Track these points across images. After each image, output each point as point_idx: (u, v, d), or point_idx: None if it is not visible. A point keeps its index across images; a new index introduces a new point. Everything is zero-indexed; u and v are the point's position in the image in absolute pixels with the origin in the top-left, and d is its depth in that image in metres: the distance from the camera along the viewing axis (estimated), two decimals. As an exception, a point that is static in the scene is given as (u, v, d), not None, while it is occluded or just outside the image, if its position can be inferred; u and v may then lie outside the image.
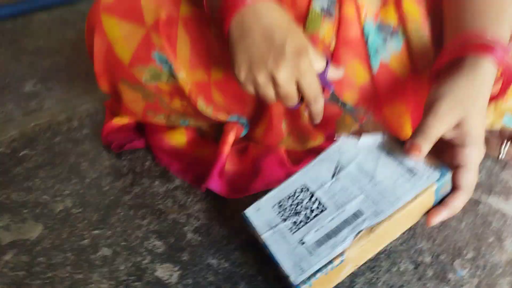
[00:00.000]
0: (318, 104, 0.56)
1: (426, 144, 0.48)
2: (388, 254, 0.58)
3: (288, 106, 0.56)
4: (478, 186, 0.69)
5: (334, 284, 0.50)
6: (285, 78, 0.52)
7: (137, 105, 0.74)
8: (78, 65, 1.08)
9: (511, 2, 0.54)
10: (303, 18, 0.66)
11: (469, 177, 0.49)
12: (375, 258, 0.58)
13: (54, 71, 1.05)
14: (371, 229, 0.47)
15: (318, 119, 0.58)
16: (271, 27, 0.52)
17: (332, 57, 0.67)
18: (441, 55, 0.56)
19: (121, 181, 0.71)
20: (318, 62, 0.55)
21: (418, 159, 0.49)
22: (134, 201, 0.67)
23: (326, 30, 0.66)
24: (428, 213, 0.50)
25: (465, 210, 0.64)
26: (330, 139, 0.72)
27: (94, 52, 0.68)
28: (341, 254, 0.47)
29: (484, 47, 0.51)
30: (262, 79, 0.52)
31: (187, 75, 0.67)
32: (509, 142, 0.70)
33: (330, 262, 0.46)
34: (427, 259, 0.58)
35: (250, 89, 0.54)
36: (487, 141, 0.73)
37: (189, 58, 0.67)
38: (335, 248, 0.47)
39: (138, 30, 0.65)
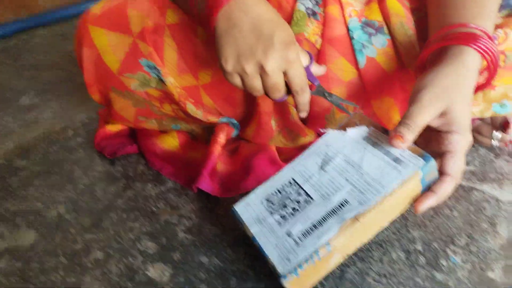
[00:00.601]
0: (305, 94, 0.56)
1: (410, 133, 0.48)
2: (380, 243, 0.58)
3: (274, 98, 0.56)
4: (472, 174, 0.68)
5: (324, 274, 0.49)
6: (274, 68, 0.52)
7: (128, 112, 0.74)
8: (76, 78, 1.09)
9: None
10: (289, 19, 0.67)
11: (456, 163, 0.48)
12: (367, 248, 0.57)
13: (52, 84, 1.07)
14: (356, 217, 0.47)
15: (305, 110, 0.59)
16: (259, 19, 0.52)
17: (319, 55, 0.67)
18: (425, 47, 0.56)
19: (114, 186, 0.71)
20: (302, 57, 0.56)
21: (402, 148, 0.49)
22: (127, 204, 0.67)
23: (312, 29, 0.66)
24: (416, 200, 0.49)
25: (458, 197, 0.64)
26: (320, 136, 0.72)
27: (84, 63, 0.69)
28: (327, 243, 0.46)
29: (468, 35, 0.51)
30: (251, 69, 0.53)
31: (175, 80, 0.68)
32: (500, 130, 0.69)
33: (316, 252, 0.46)
34: (419, 247, 0.57)
35: (237, 80, 0.55)
36: (479, 129, 0.72)
37: (177, 64, 0.68)
38: (320, 238, 0.47)
39: (125, 39, 0.66)
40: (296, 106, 0.58)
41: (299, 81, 0.55)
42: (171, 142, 0.79)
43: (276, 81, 0.54)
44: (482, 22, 0.53)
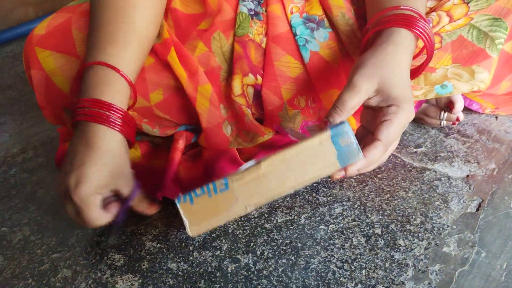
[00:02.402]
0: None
1: (340, 115, 0.50)
2: (341, 231, 0.60)
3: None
4: (424, 155, 0.71)
5: (224, 217, 0.51)
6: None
7: None
8: (30, 97, 1.08)
9: None
10: (232, 22, 0.68)
11: (389, 130, 0.50)
12: (329, 237, 0.59)
13: (6, 106, 1.05)
14: (259, 162, 0.49)
15: None
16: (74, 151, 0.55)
17: (265, 54, 0.69)
18: (363, 34, 0.58)
19: (78, 203, 0.71)
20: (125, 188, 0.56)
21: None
22: (92, 219, 0.67)
23: (256, 29, 0.68)
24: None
25: (412, 179, 0.67)
26: (279, 133, 0.74)
27: (34, 85, 0.69)
28: (224, 178, 0.49)
29: (398, 17, 0.54)
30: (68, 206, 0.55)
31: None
32: (446, 110, 0.72)
33: (213, 184, 0.49)
34: (378, 230, 0.59)
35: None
36: (427, 112, 0.75)
37: None
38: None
39: (73, 60, 0.65)
40: None
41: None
42: (133, 153, 0.79)
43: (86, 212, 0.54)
44: (412, 3, 0.55)
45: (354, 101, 0.50)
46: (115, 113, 0.54)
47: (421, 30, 0.53)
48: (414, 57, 0.58)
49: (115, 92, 0.56)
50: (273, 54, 0.67)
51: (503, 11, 0.61)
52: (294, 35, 0.67)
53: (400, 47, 0.52)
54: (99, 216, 0.54)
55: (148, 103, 0.69)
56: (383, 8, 0.56)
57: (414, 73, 0.60)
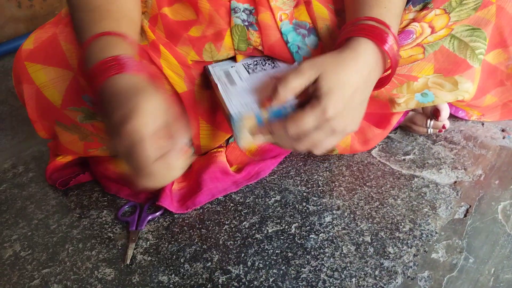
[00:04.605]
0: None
1: (282, 92, 0.53)
2: (331, 240, 0.60)
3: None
4: (412, 162, 0.72)
5: None
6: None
7: (77, 146, 0.75)
8: (21, 112, 1.08)
9: None
10: (223, 33, 0.68)
11: (298, 118, 0.52)
12: (319, 246, 0.60)
13: (-4, 121, 1.05)
14: None
15: None
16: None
17: None
18: (336, 43, 0.59)
19: (68, 217, 0.71)
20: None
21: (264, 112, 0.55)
22: (83, 234, 0.67)
23: (254, 40, 0.68)
24: None
25: (401, 186, 0.67)
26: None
27: (25, 100, 0.69)
28: None
29: (362, 27, 0.55)
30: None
31: None
32: (432, 118, 0.73)
33: None
34: (367, 238, 0.60)
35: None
36: (413, 120, 0.76)
37: None
38: None
39: (65, 73, 0.66)
40: None
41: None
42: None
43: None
44: (385, 17, 0.56)
45: (296, 82, 0.53)
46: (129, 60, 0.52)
47: (384, 41, 0.54)
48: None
49: (124, 49, 0.54)
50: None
51: (483, 21, 0.62)
52: (286, 42, 0.68)
53: (356, 54, 0.54)
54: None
55: None
56: (352, 18, 0.58)
57: (380, 84, 0.61)
